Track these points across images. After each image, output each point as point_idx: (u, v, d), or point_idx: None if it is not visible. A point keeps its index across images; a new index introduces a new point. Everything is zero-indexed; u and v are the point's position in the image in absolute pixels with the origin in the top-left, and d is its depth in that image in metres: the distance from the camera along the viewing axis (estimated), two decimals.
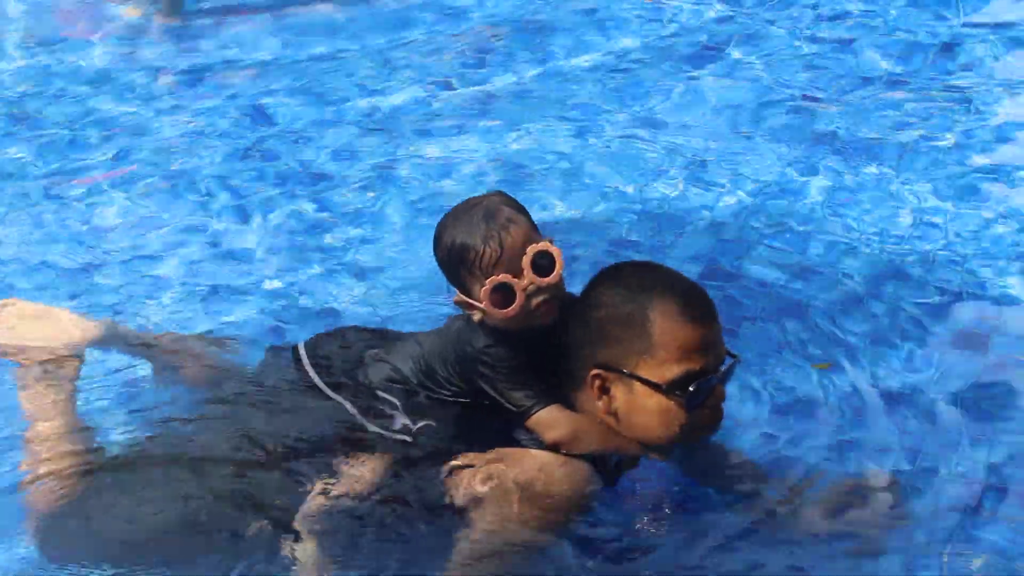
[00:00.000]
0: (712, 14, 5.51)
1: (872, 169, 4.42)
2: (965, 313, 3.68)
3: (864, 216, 4.14)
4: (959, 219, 4.12)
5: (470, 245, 2.65)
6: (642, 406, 2.63)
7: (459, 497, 2.68)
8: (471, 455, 2.71)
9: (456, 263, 2.68)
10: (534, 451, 2.69)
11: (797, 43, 5.28)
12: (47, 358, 3.04)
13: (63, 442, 2.91)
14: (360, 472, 2.72)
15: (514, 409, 2.71)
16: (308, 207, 4.42)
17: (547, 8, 5.58)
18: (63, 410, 2.98)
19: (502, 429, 2.75)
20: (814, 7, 5.53)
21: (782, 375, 3.37)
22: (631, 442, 2.71)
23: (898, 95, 4.86)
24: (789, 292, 3.78)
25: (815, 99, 4.82)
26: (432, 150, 4.73)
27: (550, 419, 2.70)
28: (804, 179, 4.39)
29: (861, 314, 3.65)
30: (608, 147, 4.65)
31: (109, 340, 3.17)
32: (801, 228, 4.07)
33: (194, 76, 5.27)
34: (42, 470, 2.85)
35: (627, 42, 5.34)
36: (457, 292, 2.73)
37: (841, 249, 3.96)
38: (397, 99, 5.05)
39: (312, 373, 2.88)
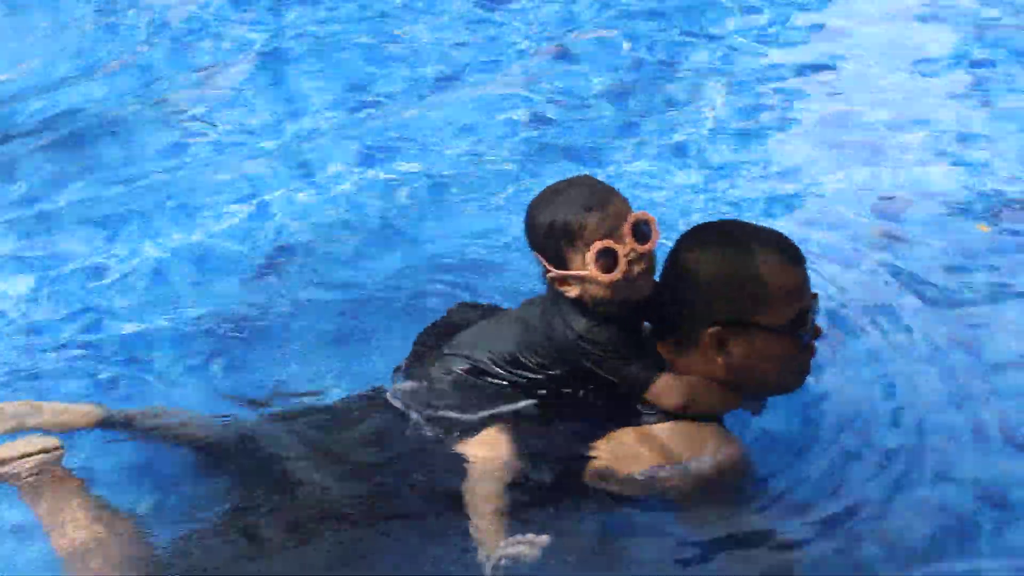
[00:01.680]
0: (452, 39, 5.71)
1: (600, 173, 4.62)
2: None
3: None
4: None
5: (573, 218, 2.73)
6: (762, 353, 2.75)
7: (618, 484, 2.76)
8: (605, 443, 2.78)
9: (558, 238, 2.75)
10: (685, 424, 2.78)
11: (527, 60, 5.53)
12: (32, 470, 2.87)
13: (120, 543, 2.77)
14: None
15: (629, 384, 2.79)
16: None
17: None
18: (97, 512, 2.84)
19: (607, 408, 2.82)
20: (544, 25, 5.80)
21: None
22: (734, 397, 2.83)
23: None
24: None
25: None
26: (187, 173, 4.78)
27: (667, 386, 2.77)
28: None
29: None
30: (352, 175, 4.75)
31: (104, 423, 3.06)
32: None
33: None
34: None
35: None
36: (550, 269, 2.79)
37: None
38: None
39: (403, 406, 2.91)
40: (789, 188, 4.52)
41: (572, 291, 2.78)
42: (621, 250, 2.71)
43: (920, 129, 4.84)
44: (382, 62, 5.55)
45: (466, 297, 3.68)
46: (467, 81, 5.40)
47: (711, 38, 5.65)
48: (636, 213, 2.76)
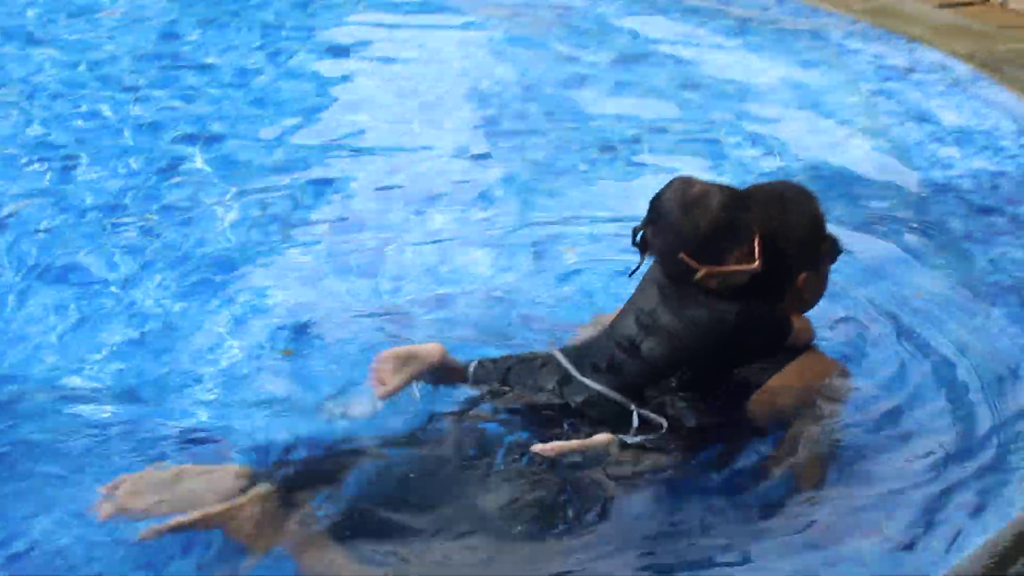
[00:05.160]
0: None
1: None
2: None
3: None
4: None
5: (736, 218, 3.06)
6: (819, 283, 3.30)
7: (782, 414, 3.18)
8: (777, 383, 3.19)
9: (719, 239, 3.04)
10: (815, 355, 3.27)
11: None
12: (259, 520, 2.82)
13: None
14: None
15: (783, 335, 3.18)
16: None
17: None
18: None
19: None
20: None
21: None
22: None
23: None
24: None
25: None
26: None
27: (799, 328, 3.22)
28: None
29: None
30: None
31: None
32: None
33: None
34: None
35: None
36: (701, 268, 3.04)
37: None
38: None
39: (589, 379, 3.11)
40: None
41: (713, 282, 3.08)
42: (758, 239, 3.10)
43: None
44: None
45: None
46: None
47: None
48: None
